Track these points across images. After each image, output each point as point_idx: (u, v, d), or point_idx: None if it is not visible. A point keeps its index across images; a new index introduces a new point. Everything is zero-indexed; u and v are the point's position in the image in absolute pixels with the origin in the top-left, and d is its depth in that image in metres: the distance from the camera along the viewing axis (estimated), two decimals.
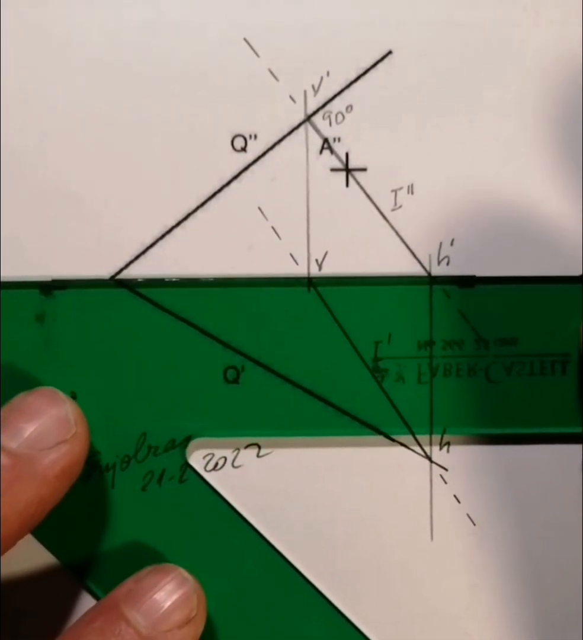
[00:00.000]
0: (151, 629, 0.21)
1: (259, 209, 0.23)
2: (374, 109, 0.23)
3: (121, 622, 0.21)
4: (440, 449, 0.24)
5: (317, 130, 0.23)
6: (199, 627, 0.22)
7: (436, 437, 0.24)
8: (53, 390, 0.22)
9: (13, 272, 0.23)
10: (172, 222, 0.23)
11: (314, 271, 0.24)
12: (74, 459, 0.22)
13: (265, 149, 0.23)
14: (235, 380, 0.24)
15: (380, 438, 0.24)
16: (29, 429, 0.21)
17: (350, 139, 0.23)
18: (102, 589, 0.23)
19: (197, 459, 0.24)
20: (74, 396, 0.23)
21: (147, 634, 0.21)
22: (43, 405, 0.22)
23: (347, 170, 0.23)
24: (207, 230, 0.23)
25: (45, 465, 0.21)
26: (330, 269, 0.24)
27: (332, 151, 0.23)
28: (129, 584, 0.22)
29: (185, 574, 0.23)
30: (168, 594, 0.22)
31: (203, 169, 0.23)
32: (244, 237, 0.23)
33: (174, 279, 0.23)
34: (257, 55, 0.23)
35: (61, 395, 0.22)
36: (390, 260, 0.24)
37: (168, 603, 0.22)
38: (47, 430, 0.21)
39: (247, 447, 0.24)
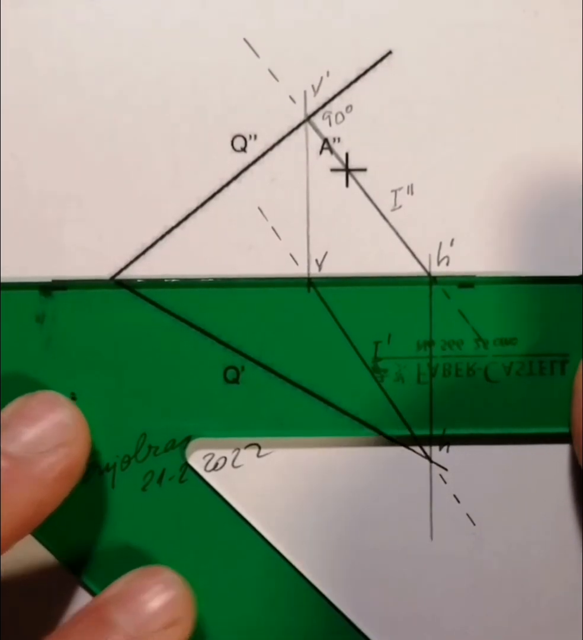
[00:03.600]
0: (137, 630, 0.21)
1: (259, 209, 0.23)
2: (374, 109, 0.23)
3: (107, 624, 0.21)
4: (440, 449, 0.24)
5: (317, 131, 0.23)
6: (185, 628, 0.22)
7: (436, 437, 0.24)
8: (54, 394, 0.22)
9: (13, 272, 0.23)
10: (172, 223, 0.23)
11: (314, 271, 0.24)
12: (73, 462, 0.22)
13: (265, 149, 0.23)
14: (235, 380, 0.24)
15: (380, 438, 0.24)
16: (29, 433, 0.21)
17: (350, 139, 0.23)
18: (102, 589, 0.23)
19: (197, 459, 0.24)
20: (73, 397, 0.23)
21: (134, 634, 0.21)
22: (44, 410, 0.22)
23: (347, 170, 0.23)
24: (207, 231, 0.23)
25: (43, 467, 0.21)
26: (330, 269, 0.24)
27: (332, 151, 0.23)
28: (118, 585, 0.22)
29: (174, 575, 0.23)
30: (155, 595, 0.22)
31: (203, 169, 0.23)
32: (244, 237, 0.23)
33: (174, 280, 0.23)
34: (257, 55, 0.23)
35: (62, 399, 0.22)
36: (390, 260, 0.24)
37: (155, 605, 0.22)
38: (46, 434, 0.21)
39: (247, 447, 0.24)
